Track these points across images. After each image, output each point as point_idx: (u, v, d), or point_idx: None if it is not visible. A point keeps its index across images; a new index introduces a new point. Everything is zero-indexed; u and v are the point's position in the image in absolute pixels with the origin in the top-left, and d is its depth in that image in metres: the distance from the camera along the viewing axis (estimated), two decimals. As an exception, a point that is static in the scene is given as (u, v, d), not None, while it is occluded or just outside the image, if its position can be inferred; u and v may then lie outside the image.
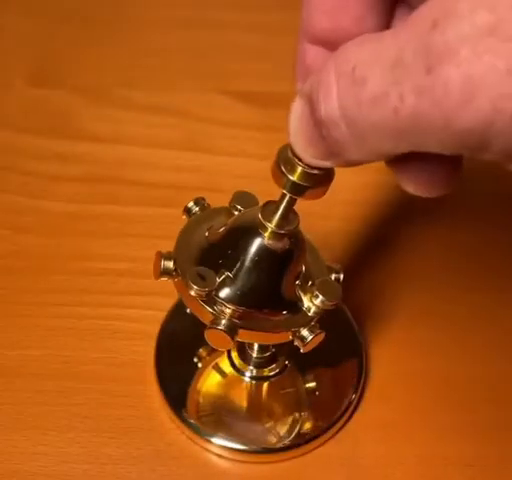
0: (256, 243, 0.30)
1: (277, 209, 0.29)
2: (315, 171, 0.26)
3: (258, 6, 0.52)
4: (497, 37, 0.18)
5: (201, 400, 0.36)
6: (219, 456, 0.35)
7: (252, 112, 0.47)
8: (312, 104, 0.22)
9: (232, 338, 0.29)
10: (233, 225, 0.31)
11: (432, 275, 0.41)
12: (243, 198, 0.32)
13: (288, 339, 0.31)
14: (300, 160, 0.25)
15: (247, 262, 0.30)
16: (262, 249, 0.30)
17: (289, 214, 0.29)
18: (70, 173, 0.44)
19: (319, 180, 0.26)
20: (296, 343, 0.30)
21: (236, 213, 0.32)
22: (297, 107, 0.23)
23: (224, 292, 0.30)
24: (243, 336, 0.30)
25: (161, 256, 0.31)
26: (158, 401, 0.36)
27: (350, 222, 0.42)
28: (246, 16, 0.52)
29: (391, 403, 0.37)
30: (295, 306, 0.31)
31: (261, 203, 0.30)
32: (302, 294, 0.31)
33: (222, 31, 0.52)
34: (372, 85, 0.20)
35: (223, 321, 0.29)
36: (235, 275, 0.30)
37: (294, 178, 0.26)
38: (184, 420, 0.35)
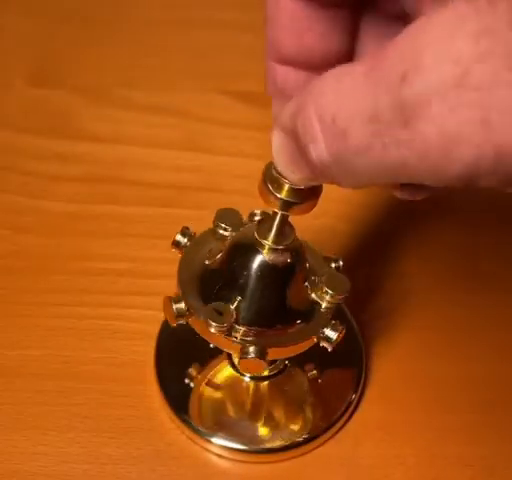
0: (257, 261, 0.30)
1: (271, 226, 0.29)
2: (302, 187, 0.26)
3: (258, 6, 0.52)
4: (465, 88, 0.18)
5: (201, 400, 0.36)
6: (219, 456, 0.35)
7: (252, 112, 0.47)
8: (301, 147, 0.22)
9: (265, 360, 0.30)
10: (231, 248, 0.31)
11: (431, 276, 0.41)
12: (226, 215, 0.32)
13: (314, 342, 0.31)
14: (286, 177, 0.26)
15: (253, 282, 0.30)
16: (264, 266, 0.30)
17: (284, 229, 0.29)
18: (70, 173, 0.44)
19: (307, 195, 0.26)
20: (322, 344, 0.31)
21: (221, 231, 0.32)
22: (278, 138, 0.24)
23: (239, 317, 0.30)
24: (273, 354, 0.30)
25: (171, 300, 0.31)
26: (158, 401, 0.36)
27: (344, 221, 0.42)
28: (246, 16, 0.52)
29: (391, 403, 0.37)
30: (308, 311, 0.31)
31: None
32: (311, 293, 0.31)
33: (222, 31, 0.52)
34: (355, 137, 0.20)
35: (251, 348, 0.30)
36: (244, 297, 0.30)
37: (282, 196, 0.26)
38: (184, 420, 0.35)
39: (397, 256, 0.41)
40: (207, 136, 0.46)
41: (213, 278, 0.31)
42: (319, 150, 0.21)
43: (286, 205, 0.27)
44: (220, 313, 0.29)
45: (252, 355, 0.30)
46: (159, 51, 0.51)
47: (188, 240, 0.32)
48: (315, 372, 0.37)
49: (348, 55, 0.25)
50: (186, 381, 0.36)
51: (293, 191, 0.26)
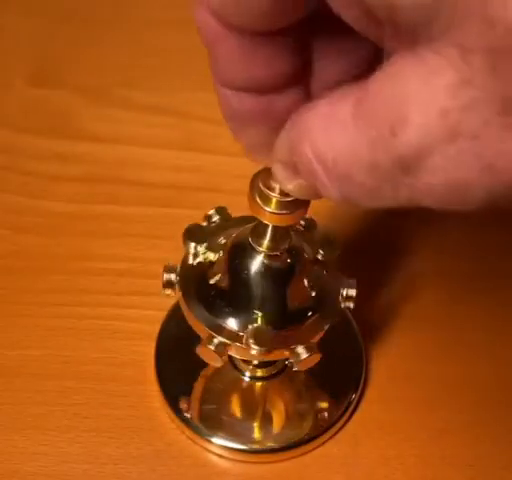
0: (256, 265, 0.30)
1: (265, 234, 0.29)
2: (289, 198, 0.26)
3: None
4: (461, 139, 0.17)
5: (201, 400, 0.36)
6: (219, 456, 0.35)
7: (252, 112, 0.47)
8: (310, 184, 0.22)
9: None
10: (229, 254, 0.31)
11: (430, 276, 0.41)
12: (195, 232, 0.32)
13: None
14: (272, 191, 0.26)
15: (255, 286, 0.30)
16: (264, 269, 0.30)
17: (279, 235, 0.29)
18: (70, 173, 0.44)
19: (295, 205, 0.27)
20: (345, 304, 0.32)
21: (190, 250, 0.31)
22: (280, 170, 0.24)
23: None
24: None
25: (207, 343, 0.30)
26: (158, 401, 0.36)
27: (342, 221, 0.42)
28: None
29: (391, 403, 0.37)
30: (316, 302, 0.31)
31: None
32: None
33: (222, 31, 0.52)
34: (361, 181, 0.20)
35: (301, 349, 0.30)
36: (251, 303, 0.30)
37: (271, 209, 0.27)
38: (184, 420, 0.35)
39: (397, 256, 0.41)
40: (207, 136, 0.46)
41: (217, 290, 0.31)
42: (329, 192, 0.21)
43: (275, 217, 0.27)
44: (260, 338, 0.30)
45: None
46: (159, 51, 0.51)
47: (176, 275, 0.32)
48: (315, 372, 0.36)
49: (303, 73, 0.24)
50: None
51: (281, 203, 0.26)
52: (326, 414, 0.36)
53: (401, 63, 0.18)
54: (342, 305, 0.32)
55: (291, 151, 0.22)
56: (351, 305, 0.32)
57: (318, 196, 0.24)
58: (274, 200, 0.26)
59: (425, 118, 0.17)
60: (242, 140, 0.25)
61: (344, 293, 0.32)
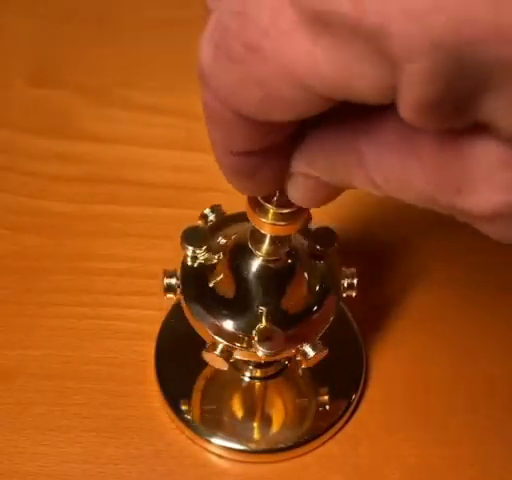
0: (256, 267, 0.30)
1: (263, 240, 0.29)
2: (287, 210, 0.26)
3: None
4: None
5: (201, 400, 0.36)
6: (219, 456, 0.35)
7: (252, 112, 0.47)
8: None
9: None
10: (230, 255, 0.31)
11: (432, 276, 0.41)
12: (193, 235, 0.32)
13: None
14: (269, 202, 0.26)
15: (255, 287, 0.30)
16: (263, 270, 0.30)
17: (278, 242, 0.29)
18: (70, 173, 0.44)
19: (293, 216, 0.27)
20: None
21: (189, 253, 0.31)
22: (297, 183, 0.24)
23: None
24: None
25: (212, 348, 0.30)
26: (158, 401, 0.36)
27: (343, 220, 0.42)
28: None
29: (391, 403, 0.37)
30: (320, 297, 0.31)
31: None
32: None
33: (222, 31, 0.51)
34: (413, 201, 0.20)
35: (307, 348, 0.30)
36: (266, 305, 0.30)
37: (268, 220, 0.27)
38: (184, 420, 0.35)
39: (398, 256, 0.41)
40: (207, 136, 0.46)
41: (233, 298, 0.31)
42: (376, 193, 0.21)
43: (273, 227, 0.27)
44: (269, 338, 0.29)
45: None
46: (159, 51, 0.51)
47: (177, 279, 0.32)
48: (315, 372, 0.37)
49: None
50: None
51: (278, 215, 0.27)
52: (326, 414, 0.36)
53: (470, 143, 0.19)
54: (344, 294, 0.32)
55: (331, 165, 0.22)
56: (353, 294, 0.32)
57: (324, 204, 0.24)
58: (272, 211, 0.26)
59: (504, 197, 0.19)
60: (250, 190, 0.25)
61: (345, 283, 0.32)
